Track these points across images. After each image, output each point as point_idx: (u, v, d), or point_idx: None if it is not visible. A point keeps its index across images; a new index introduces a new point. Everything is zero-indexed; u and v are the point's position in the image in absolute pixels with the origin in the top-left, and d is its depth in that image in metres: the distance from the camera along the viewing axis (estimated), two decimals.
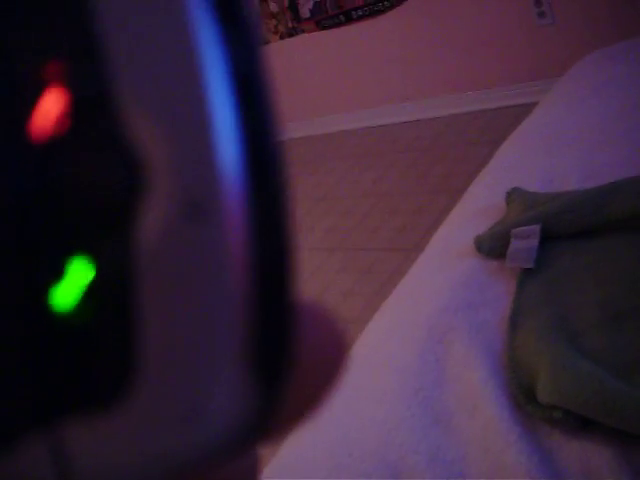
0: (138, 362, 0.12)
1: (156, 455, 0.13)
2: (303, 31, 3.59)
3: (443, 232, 1.22)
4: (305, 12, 3.52)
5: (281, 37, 3.67)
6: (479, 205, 1.20)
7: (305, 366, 0.14)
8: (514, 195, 1.12)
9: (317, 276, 2.34)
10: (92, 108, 0.12)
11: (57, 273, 0.12)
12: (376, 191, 2.78)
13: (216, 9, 0.13)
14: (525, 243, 0.96)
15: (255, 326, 0.13)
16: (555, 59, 2.90)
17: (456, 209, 1.28)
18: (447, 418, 0.77)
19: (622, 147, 1.15)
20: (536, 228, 0.96)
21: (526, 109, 1.72)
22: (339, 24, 3.42)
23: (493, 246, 1.01)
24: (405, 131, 3.38)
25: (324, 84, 3.67)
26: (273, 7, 3.61)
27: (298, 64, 3.67)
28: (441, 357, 0.86)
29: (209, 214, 0.12)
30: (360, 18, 3.36)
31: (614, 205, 0.93)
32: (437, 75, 3.35)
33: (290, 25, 3.61)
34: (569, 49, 2.80)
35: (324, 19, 3.46)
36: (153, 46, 0.12)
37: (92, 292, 0.12)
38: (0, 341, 0.12)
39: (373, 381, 0.88)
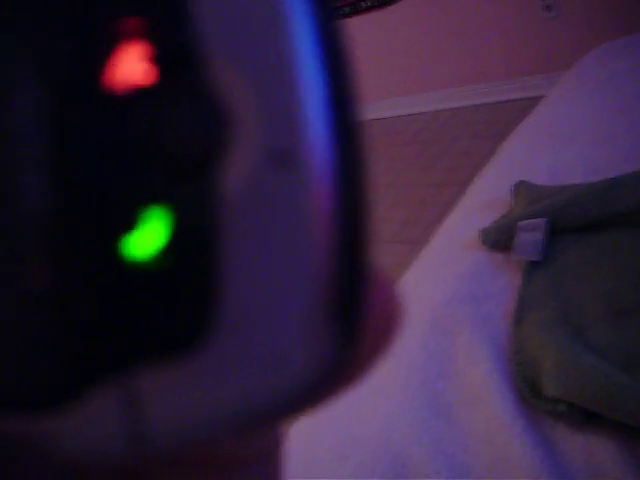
0: (219, 310, 0.13)
1: (235, 404, 0.13)
2: None
3: (448, 225, 1.22)
4: None
5: None
6: (484, 198, 1.20)
7: (373, 319, 0.14)
8: (520, 188, 1.11)
9: None
10: (176, 60, 0.12)
11: (132, 222, 0.12)
12: (381, 183, 2.78)
13: None
14: (531, 236, 0.96)
15: (336, 277, 0.13)
16: (560, 52, 2.89)
17: (461, 202, 1.28)
18: (451, 410, 0.77)
19: (627, 141, 1.15)
20: (542, 221, 0.96)
21: (531, 102, 1.72)
22: (344, 16, 3.41)
23: (499, 239, 1.01)
24: (410, 123, 3.38)
25: None
26: None
27: None
28: (446, 349, 0.86)
29: (297, 162, 0.13)
30: (368, 9, 3.35)
31: (619, 199, 0.93)
32: (443, 68, 3.34)
33: None
34: (575, 42, 2.79)
35: None
36: None
37: (171, 241, 0.12)
38: (74, 290, 0.12)
39: (378, 373, 0.88)
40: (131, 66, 0.12)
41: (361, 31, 3.40)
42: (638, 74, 1.39)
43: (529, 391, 0.73)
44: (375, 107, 3.55)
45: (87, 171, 0.12)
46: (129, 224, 0.12)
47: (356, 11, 3.37)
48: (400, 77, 3.48)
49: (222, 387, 0.13)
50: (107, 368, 0.13)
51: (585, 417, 0.68)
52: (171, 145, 0.12)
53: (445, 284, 0.99)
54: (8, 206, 0.12)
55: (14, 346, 0.12)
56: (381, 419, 0.80)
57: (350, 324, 0.13)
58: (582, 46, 2.03)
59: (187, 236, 0.12)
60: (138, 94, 0.12)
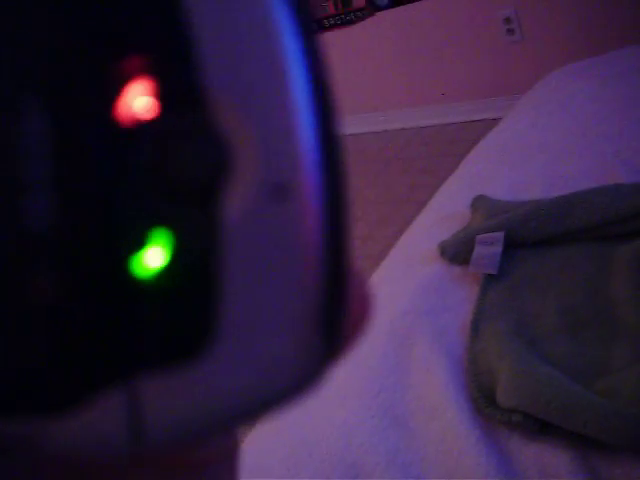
0: (216, 323, 0.14)
1: (228, 404, 0.14)
2: None
3: (407, 238, 1.22)
4: None
5: None
6: (444, 213, 1.20)
7: (350, 315, 0.16)
8: (479, 203, 1.12)
9: None
10: (181, 97, 0.14)
11: (136, 242, 0.13)
12: None
13: (292, 6, 0.14)
14: (489, 249, 0.96)
15: (324, 292, 0.15)
16: (523, 75, 2.94)
17: (421, 216, 1.28)
18: (407, 420, 0.77)
19: (585, 159, 1.17)
20: (500, 235, 0.97)
21: (494, 123, 1.74)
22: None
23: (457, 252, 1.01)
24: (374, 141, 3.40)
25: None
26: None
27: None
28: (403, 360, 0.86)
29: (292, 194, 0.14)
30: (331, 27, 3.37)
31: (575, 215, 0.94)
32: (405, 87, 3.37)
33: None
34: (537, 65, 2.83)
35: None
36: (237, 36, 0.14)
37: (174, 259, 0.14)
38: (84, 301, 0.13)
39: (334, 383, 0.87)
40: (137, 100, 0.13)
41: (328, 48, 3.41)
42: (595, 95, 1.42)
43: (484, 401, 0.74)
44: None
45: (94, 194, 0.13)
46: (134, 243, 0.13)
47: (321, 28, 3.39)
48: (363, 95, 3.50)
49: (216, 390, 0.14)
50: (112, 375, 0.14)
51: (539, 427, 0.68)
52: (174, 174, 0.14)
53: (403, 296, 0.99)
54: (18, 224, 0.13)
55: (24, 353, 0.13)
56: (338, 428, 0.79)
57: (333, 331, 0.15)
58: (544, 69, 2.06)
59: (188, 256, 0.14)
60: (143, 126, 0.13)
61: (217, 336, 0.14)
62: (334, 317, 0.15)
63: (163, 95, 0.14)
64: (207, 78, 0.14)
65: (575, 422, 0.65)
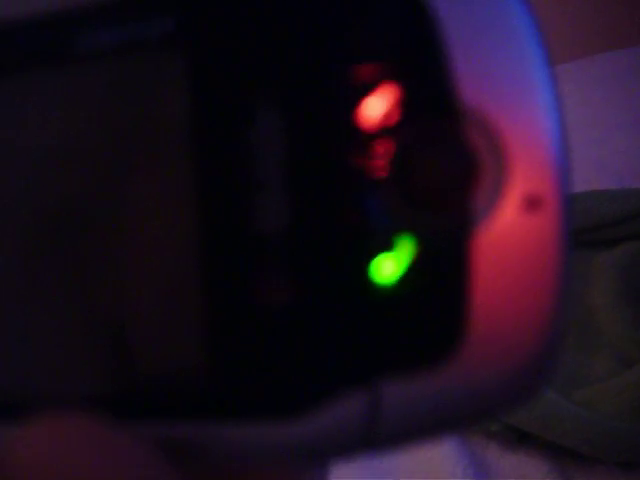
0: (463, 329, 0.14)
1: (461, 412, 0.14)
2: None
3: None
4: None
5: None
6: None
7: None
8: None
9: None
10: (428, 102, 0.14)
11: (383, 248, 0.14)
12: None
13: (532, 15, 0.14)
14: None
15: (559, 308, 0.14)
16: None
17: None
18: None
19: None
20: None
21: None
22: None
23: None
24: None
25: None
26: None
27: None
28: None
29: (545, 208, 0.14)
30: None
31: None
32: None
33: None
34: None
35: None
36: (485, 43, 0.14)
37: (418, 265, 0.14)
38: (327, 302, 0.14)
39: None
40: (381, 105, 0.13)
41: None
42: (576, 100, 1.41)
43: None
44: None
45: (335, 195, 0.13)
46: (378, 248, 0.14)
47: None
48: None
49: (457, 397, 0.14)
50: (357, 377, 0.14)
51: (518, 437, 0.67)
52: (421, 179, 0.14)
53: None
54: (255, 224, 0.13)
55: (267, 356, 0.14)
56: None
57: (558, 337, 0.15)
58: None
59: (432, 261, 0.14)
60: (388, 131, 0.13)
61: (463, 341, 0.14)
62: (563, 324, 0.15)
63: (411, 101, 0.13)
64: (453, 85, 0.13)
65: (554, 433, 0.64)
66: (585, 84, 1.45)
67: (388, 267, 0.14)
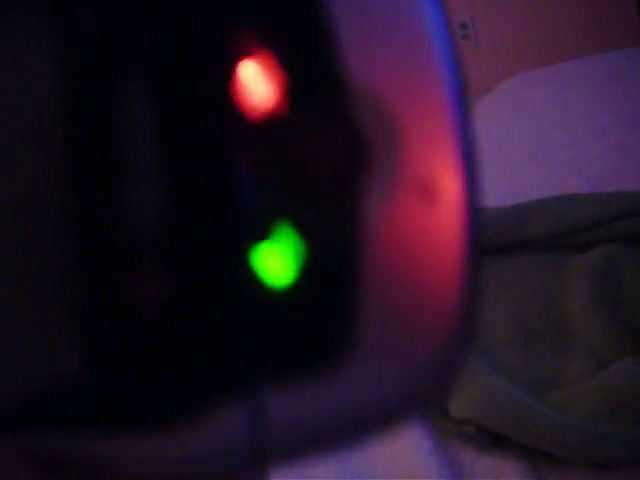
0: (358, 327, 0.13)
1: (352, 417, 0.13)
2: None
3: None
4: None
5: None
6: None
7: None
8: None
9: None
10: (311, 87, 0.12)
11: (263, 240, 0.12)
12: None
13: None
14: None
15: (466, 293, 0.13)
16: (478, 82, 2.96)
17: None
18: None
19: (542, 167, 1.17)
20: None
21: None
22: None
23: None
24: None
25: None
26: None
27: None
28: None
29: (440, 196, 0.13)
30: None
31: (533, 224, 0.94)
32: None
33: None
34: (492, 73, 2.86)
35: None
36: (377, 22, 0.12)
37: (306, 262, 0.12)
38: (207, 305, 0.12)
39: None
40: (263, 88, 0.12)
41: None
42: (551, 103, 1.43)
43: (436, 412, 0.73)
44: None
45: (226, 188, 0.12)
46: (256, 241, 0.12)
47: None
48: None
49: (351, 401, 0.13)
50: (232, 386, 0.12)
51: (492, 439, 0.68)
52: (306, 165, 0.12)
53: None
54: (123, 218, 0.12)
55: (133, 363, 0.12)
56: None
57: (469, 327, 0.14)
58: (500, 76, 2.07)
59: (318, 256, 0.12)
60: (271, 115, 0.12)
61: (356, 342, 0.13)
62: (469, 317, 0.14)
63: (295, 81, 0.12)
64: (342, 66, 0.12)
65: (528, 435, 0.64)
66: (559, 88, 1.46)
67: (270, 263, 0.12)
